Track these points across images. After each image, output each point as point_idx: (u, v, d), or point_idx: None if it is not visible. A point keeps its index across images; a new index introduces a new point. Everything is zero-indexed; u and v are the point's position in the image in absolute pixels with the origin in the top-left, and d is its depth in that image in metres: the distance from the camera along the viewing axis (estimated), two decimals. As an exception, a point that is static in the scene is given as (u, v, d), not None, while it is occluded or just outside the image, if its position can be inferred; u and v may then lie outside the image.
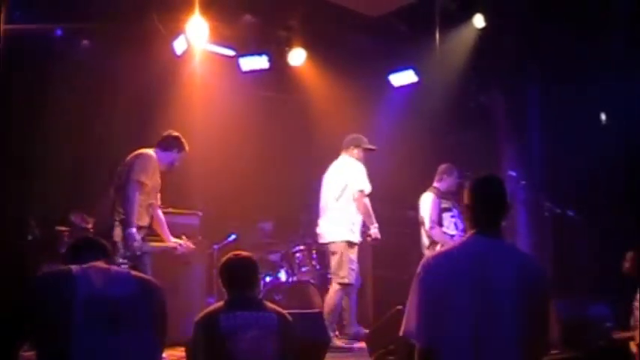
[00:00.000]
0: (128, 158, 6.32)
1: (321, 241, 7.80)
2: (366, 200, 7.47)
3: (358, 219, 7.53)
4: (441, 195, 7.89)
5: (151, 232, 6.54)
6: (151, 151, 6.40)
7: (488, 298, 3.02)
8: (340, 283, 7.38)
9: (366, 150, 7.82)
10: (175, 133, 6.64)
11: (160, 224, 6.61)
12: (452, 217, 7.93)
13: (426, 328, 3.07)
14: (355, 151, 7.79)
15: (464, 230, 7.86)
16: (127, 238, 5.98)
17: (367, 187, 7.48)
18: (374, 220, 7.48)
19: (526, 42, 9.12)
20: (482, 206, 3.27)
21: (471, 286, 3.04)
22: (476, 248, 3.18)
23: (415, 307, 3.14)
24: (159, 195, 6.55)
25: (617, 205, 8.40)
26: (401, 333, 3.19)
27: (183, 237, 6.82)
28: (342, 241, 7.45)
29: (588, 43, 8.61)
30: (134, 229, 6.00)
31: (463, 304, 3.02)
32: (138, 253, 6.02)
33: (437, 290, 3.09)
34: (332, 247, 7.54)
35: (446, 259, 3.23)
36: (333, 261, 7.50)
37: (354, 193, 7.44)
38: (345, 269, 7.37)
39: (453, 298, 3.04)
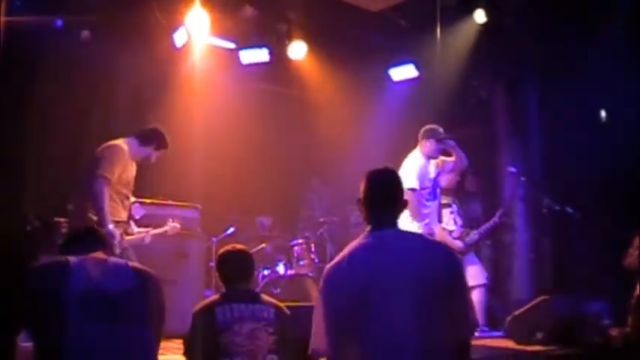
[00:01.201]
0: (97, 150, 6.13)
1: None
2: (413, 198, 6.97)
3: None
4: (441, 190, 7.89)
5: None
6: (119, 142, 6.16)
7: (395, 296, 2.86)
8: None
9: (440, 141, 7.24)
10: (159, 129, 6.42)
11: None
12: (451, 212, 7.94)
13: (335, 344, 2.97)
14: (427, 144, 7.27)
15: (463, 226, 7.87)
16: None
17: (414, 184, 7.04)
18: (418, 218, 7.06)
19: (526, 38, 9.11)
20: (373, 198, 3.17)
21: (373, 288, 2.89)
22: (373, 246, 3.05)
23: (322, 324, 3.06)
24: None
25: (616, 202, 8.40)
26: (309, 351, 3.11)
27: (169, 219, 6.67)
28: None
29: (588, 40, 8.60)
30: (111, 226, 5.78)
31: (368, 309, 2.88)
32: (118, 251, 5.78)
33: (339, 303, 2.97)
34: None
35: (342, 267, 3.07)
36: None
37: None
38: None
39: (357, 306, 2.90)
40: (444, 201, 7.87)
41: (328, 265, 3.18)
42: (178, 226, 6.73)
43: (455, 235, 7.67)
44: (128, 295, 3.18)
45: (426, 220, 7.03)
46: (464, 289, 3.07)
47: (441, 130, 7.26)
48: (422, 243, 3.16)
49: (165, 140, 6.41)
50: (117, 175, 6.01)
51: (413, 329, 2.80)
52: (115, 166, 5.98)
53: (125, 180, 6.15)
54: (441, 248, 3.16)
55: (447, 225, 7.81)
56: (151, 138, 6.34)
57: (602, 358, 6.37)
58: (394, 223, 3.14)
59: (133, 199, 6.45)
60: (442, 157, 7.34)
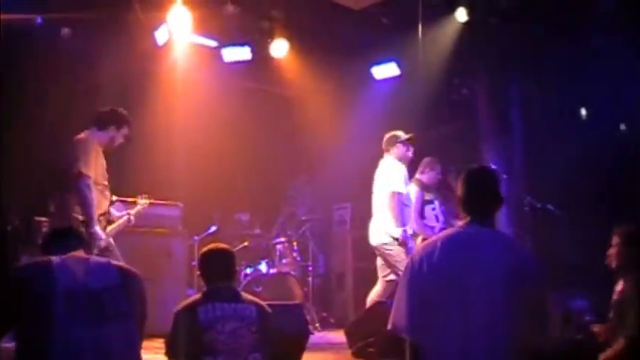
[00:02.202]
0: (67, 148, 5.96)
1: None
2: (399, 201, 7.12)
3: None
4: (423, 187, 7.91)
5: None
6: (84, 134, 6.00)
7: (477, 291, 2.97)
8: None
9: (404, 142, 7.47)
10: (112, 109, 6.22)
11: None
12: (433, 209, 7.98)
13: (415, 323, 3.04)
14: (394, 150, 7.45)
15: (445, 223, 7.90)
16: (91, 238, 5.54)
17: (400, 188, 7.16)
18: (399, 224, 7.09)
19: (508, 36, 9.15)
20: (471, 195, 3.26)
21: (459, 278, 3.00)
22: (464, 239, 3.15)
23: (404, 300, 3.11)
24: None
25: (597, 199, 8.45)
26: (389, 326, 3.16)
27: (139, 196, 6.51)
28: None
29: (570, 38, 8.65)
30: (96, 228, 5.66)
31: (451, 297, 2.99)
32: (96, 252, 5.56)
33: (425, 284, 3.06)
34: None
35: (433, 250, 3.13)
36: None
37: (387, 194, 7.14)
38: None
39: (442, 292, 3.01)
40: (427, 197, 7.91)
41: (421, 245, 3.37)
42: (145, 202, 6.53)
43: (436, 231, 7.70)
44: (111, 294, 3.18)
45: (407, 226, 7.06)
46: (541, 294, 3.10)
47: (399, 133, 7.49)
48: (509, 245, 3.21)
49: (124, 116, 6.23)
50: (93, 168, 5.87)
51: (484, 325, 2.93)
52: (85, 158, 5.80)
53: (101, 170, 5.99)
54: (526, 252, 3.28)
55: (429, 221, 7.85)
56: (107, 120, 6.12)
57: (584, 355, 6.41)
58: (488, 221, 3.24)
59: (114, 197, 6.38)
60: None
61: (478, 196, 3.26)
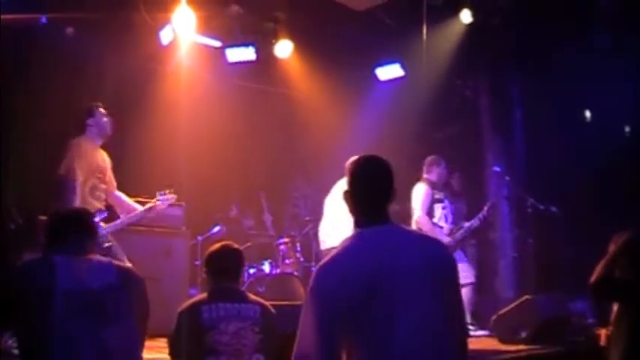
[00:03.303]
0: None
1: None
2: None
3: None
4: (433, 186, 7.89)
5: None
6: (75, 139, 6.06)
7: (398, 295, 2.59)
8: None
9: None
10: (77, 110, 6.33)
11: (120, 204, 6.27)
12: (443, 208, 7.94)
13: (330, 347, 2.63)
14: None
15: (453, 223, 7.89)
16: None
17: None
18: None
19: (511, 38, 9.15)
20: (362, 191, 2.81)
21: (374, 288, 2.59)
22: (368, 244, 2.71)
23: (313, 326, 2.68)
24: (108, 177, 6.23)
25: (600, 201, 8.45)
26: (293, 356, 2.74)
27: (158, 193, 6.32)
28: None
29: (573, 40, 8.65)
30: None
31: (370, 312, 2.58)
32: (106, 245, 5.68)
33: (338, 306, 2.60)
34: None
35: (337, 267, 2.69)
36: None
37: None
38: None
39: (356, 309, 2.58)
40: (437, 196, 7.89)
41: (320, 265, 2.80)
42: (171, 196, 6.34)
43: (445, 231, 7.71)
44: (112, 294, 3.18)
45: None
46: (459, 288, 2.84)
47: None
48: (419, 239, 2.86)
49: (87, 108, 6.25)
50: (81, 170, 5.89)
51: (421, 329, 2.59)
52: (74, 162, 5.86)
53: (88, 171, 5.98)
54: (439, 245, 2.90)
55: (439, 221, 7.83)
56: (79, 120, 6.20)
57: (585, 358, 6.40)
58: (387, 218, 2.79)
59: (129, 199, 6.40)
60: None
61: (371, 191, 2.80)
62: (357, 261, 2.66)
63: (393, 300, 2.58)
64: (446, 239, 7.52)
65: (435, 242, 2.91)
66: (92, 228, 3.56)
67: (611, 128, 8.87)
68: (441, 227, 7.75)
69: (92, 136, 6.13)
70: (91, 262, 3.27)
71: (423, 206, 7.68)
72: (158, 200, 6.28)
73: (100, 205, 6.03)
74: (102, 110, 6.27)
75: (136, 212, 6.21)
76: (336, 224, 7.33)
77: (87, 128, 6.14)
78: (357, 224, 2.82)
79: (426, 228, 7.55)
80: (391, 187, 2.81)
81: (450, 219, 7.93)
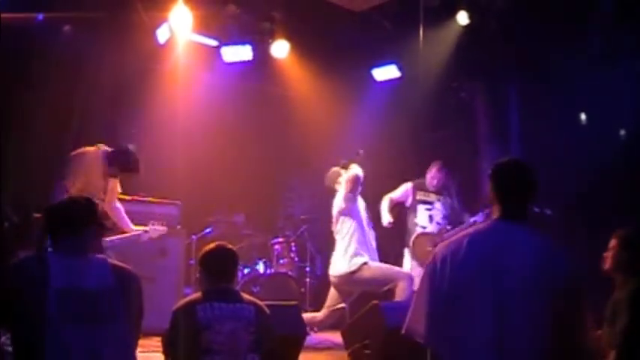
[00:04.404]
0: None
1: None
2: None
3: None
4: (419, 187, 7.99)
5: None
6: (88, 149, 6.17)
7: (504, 296, 2.72)
8: None
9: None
10: (130, 154, 6.42)
11: (117, 217, 6.36)
12: (428, 209, 7.99)
13: (435, 329, 2.81)
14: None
15: (444, 224, 7.93)
16: None
17: None
18: None
19: (507, 40, 9.16)
20: (502, 189, 3.09)
21: (484, 282, 2.76)
22: (492, 237, 2.93)
23: (423, 304, 2.87)
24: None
25: (596, 204, 8.46)
26: (403, 330, 2.94)
27: (150, 222, 6.55)
28: None
29: (569, 43, 8.66)
30: None
31: (483, 302, 2.74)
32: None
33: (449, 286, 2.82)
34: None
35: (458, 249, 2.89)
36: None
37: None
38: None
39: (464, 296, 2.77)
40: (423, 197, 8.00)
41: (444, 243, 3.04)
42: (163, 228, 6.59)
43: (428, 229, 7.80)
44: (106, 293, 3.17)
45: None
46: (581, 299, 2.88)
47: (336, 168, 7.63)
48: (545, 244, 2.98)
49: (130, 165, 6.38)
50: (81, 183, 5.96)
51: (523, 331, 2.69)
52: (79, 175, 5.99)
53: (85, 186, 6.06)
54: (563, 254, 2.98)
55: (420, 221, 7.92)
56: (118, 160, 6.33)
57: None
58: (523, 217, 3.05)
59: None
60: None
61: (510, 189, 3.09)
62: (476, 247, 2.88)
63: (500, 296, 2.73)
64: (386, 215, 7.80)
65: (558, 251, 2.97)
66: (87, 220, 3.44)
67: (606, 131, 8.87)
68: (423, 227, 7.85)
69: (104, 168, 6.23)
70: (87, 261, 3.25)
71: (394, 196, 8.01)
72: (149, 229, 6.43)
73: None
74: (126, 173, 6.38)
75: (124, 237, 6.25)
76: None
77: (109, 165, 6.24)
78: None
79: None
80: (528, 188, 3.11)
81: (437, 220, 7.98)
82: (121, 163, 6.29)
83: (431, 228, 7.88)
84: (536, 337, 2.68)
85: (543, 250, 2.89)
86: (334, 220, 7.27)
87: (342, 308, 7.22)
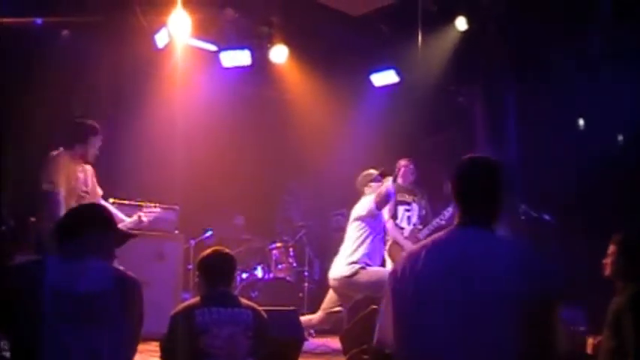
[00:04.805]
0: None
1: None
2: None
3: None
4: (398, 188, 7.88)
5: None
6: (55, 152, 6.01)
7: (471, 306, 2.55)
8: None
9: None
10: (76, 123, 6.20)
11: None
12: (407, 210, 7.96)
13: (403, 342, 2.69)
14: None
15: (415, 225, 7.90)
16: None
17: None
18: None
19: (505, 44, 9.18)
20: (463, 192, 2.84)
21: (449, 291, 2.59)
22: (457, 244, 2.71)
23: (389, 313, 2.76)
24: (91, 187, 6.18)
25: (593, 209, 8.46)
26: (374, 342, 2.85)
27: (144, 206, 6.41)
28: None
29: (567, 47, 8.68)
30: None
31: (440, 313, 2.59)
32: None
33: (408, 297, 2.68)
34: None
35: (417, 258, 2.72)
36: None
37: None
38: None
39: (429, 307, 2.61)
40: (400, 198, 7.91)
41: (405, 253, 2.88)
42: (157, 209, 6.43)
43: (405, 233, 7.75)
44: (104, 298, 3.14)
45: None
46: (551, 310, 2.66)
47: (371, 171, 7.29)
48: (511, 249, 2.77)
49: (87, 129, 6.12)
50: (64, 182, 5.90)
51: (487, 343, 2.53)
52: (60, 176, 5.85)
53: (75, 183, 5.98)
54: (533, 258, 2.72)
55: (401, 222, 7.90)
56: (72, 136, 6.09)
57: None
58: (487, 223, 2.80)
59: (111, 200, 6.38)
60: None
61: (470, 191, 2.83)
62: (431, 259, 2.69)
63: (455, 306, 2.57)
64: (407, 243, 7.54)
65: (531, 256, 2.73)
66: (96, 225, 3.39)
67: (605, 133, 8.88)
68: (402, 228, 7.81)
69: (74, 156, 6.06)
70: (87, 265, 3.23)
71: (387, 211, 7.68)
72: (144, 212, 6.31)
73: None
74: (96, 141, 6.18)
75: (125, 222, 6.19)
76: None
77: (71, 149, 6.06)
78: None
79: (391, 233, 7.63)
80: (492, 190, 2.84)
81: (413, 221, 7.96)
82: (71, 136, 6.13)
83: (408, 229, 7.82)
84: (505, 344, 2.54)
85: (507, 256, 2.68)
86: (349, 220, 7.19)
87: (339, 312, 7.19)
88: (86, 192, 6.08)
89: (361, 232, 6.99)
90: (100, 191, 6.30)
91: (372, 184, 7.15)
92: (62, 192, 5.83)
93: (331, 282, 7.16)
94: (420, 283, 2.67)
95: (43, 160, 5.97)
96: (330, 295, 7.22)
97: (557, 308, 2.67)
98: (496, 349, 2.53)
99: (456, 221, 2.81)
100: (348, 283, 6.97)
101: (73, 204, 5.82)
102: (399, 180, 7.96)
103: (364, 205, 7.02)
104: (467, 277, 2.59)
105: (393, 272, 2.80)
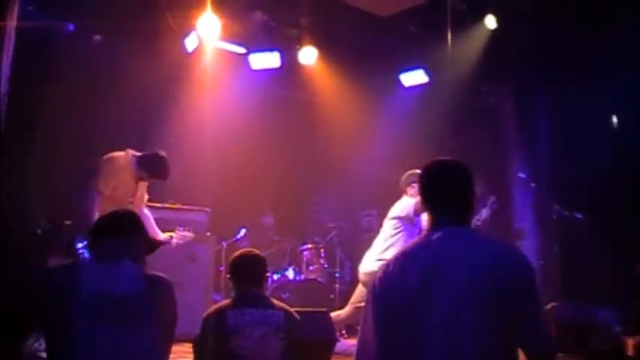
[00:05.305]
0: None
1: None
2: None
3: None
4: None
5: None
6: (118, 154, 6.15)
7: (451, 308, 2.53)
8: None
9: None
10: (158, 157, 6.29)
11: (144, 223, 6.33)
12: None
13: (384, 354, 2.65)
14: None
15: None
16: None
17: None
18: None
19: (536, 43, 9.10)
20: (431, 194, 2.85)
21: (422, 296, 2.57)
22: (431, 248, 2.69)
23: (368, 325, 2.72)
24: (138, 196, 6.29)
25: (626, 208, 8.37)
26: (354, 356, 2.77)
27: (177, 229, 6.46)
28: None
29: (599, 46, 8.58)
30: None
31: (415, 320, 2.57)
32: None
33: (387, 306, 2.65)
34: None
35: (394, 265, 2.72)
36: None
37: None
38: None
39: (406, 317, 2.58)
40: None
41: (382, 263, 2.85)
42: (189, 234, 6.49)
43: None
44: (137, 300, 3.17)
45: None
46: (532, 300, 2.62)
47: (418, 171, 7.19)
48: (482, 245, 2.71)
49: (160, 169, 6.28)
50: (111, 187, 5.97)
51: (459, 342, 2.51)
52: (110, 178, 5.96)
53: (124, 190, 6.09)
54: (509, 254, 2.69)
55: None
56: (147, 162, 6.25)
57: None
58: (454, 222, 2.76)
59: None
60: None
61: (437, 196, 2.82)
62: (409, 263, 2.69)
63: (434, 306, 2.55)
64: None
65: (503, 253, 2.69)
66: (131, 230, 3.48)
67: (637, 135, 8.77)
68: None
69: (134, 172, 6.19)
70: (121, 267, 3.25)
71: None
72: (176, 235, 6.34)
73: None
74: (155, 177, 6.35)
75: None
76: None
77: (137, 168, 6.21)
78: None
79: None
80: (458, 190, 2.82)
81: None
82: (151, 168, 6.28)
83: None
84: (489, 344, 2.52)
85: (484, 255, 2.63)
86: (387, 217, 7.16)
87: None
88: (133, 198, 6.17)
89: (396, 231, 6.98)
90: (144, 198, 6.38)
91: (416, 184, 7.12)
92: (105, 193, 5.90)
93: (361, 276, 7.16)
94: (398, 291, 2.65)
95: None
96: (360, 289, 7.22)
97: (535, 298, 2.62)
98: (479, 350, 2.50)
99: (427, 226, 2.81)
100: None
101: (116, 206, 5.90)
102: None
103: (404, 206, 7.00)
104: (444, 279, 2.57)
105: (372, 285, 2.76)
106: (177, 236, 6.38)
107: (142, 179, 6.28)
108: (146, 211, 6.45)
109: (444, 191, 2.82)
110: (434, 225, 2.77)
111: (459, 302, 2.54)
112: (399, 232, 6.95)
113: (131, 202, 6.19)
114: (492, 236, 2.84)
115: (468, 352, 2.50)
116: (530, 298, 2.60)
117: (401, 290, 2.63)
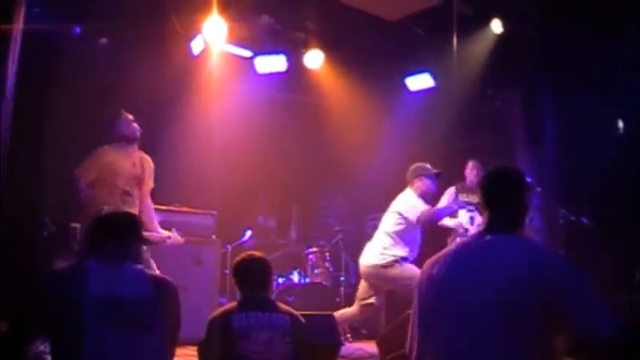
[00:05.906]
0: None
1: None
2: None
3: None
4: (461, 189, 8.02)
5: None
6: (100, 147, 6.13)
7: (482, 312, 2.59)
8: None
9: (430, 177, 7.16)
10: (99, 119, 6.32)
11: (146, 214, 6.18)
12: (469, 210, 7.94)
13: (422, 349, 2.76)
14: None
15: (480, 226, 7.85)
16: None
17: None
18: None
19: (542, 47, 9.08)
20: (486, 198, 3.00)
21: (463, 296, 2.65)
22: (469, 249, 2.86)
23: (414, 322, 2.85)
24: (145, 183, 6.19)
25: (633, 212, 8.35)
26: (406, 349, 2.89)
27: (173, 229, 6.44)
28: None
29: (606, 50, 8.57)
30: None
31: (452, 319, 2.66)
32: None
33: (428, 304, 2.79)
34: None
35: (439, 265, 2.84)
36: None
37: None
38: None
39: (444, 313, 2.69)
40: (465, 199, 7.97)
41: (430, 260, 2.97)
42: (180, 239, 6.45)
43: (470, 233, 7.72)
44: (143, 303, 3.18)
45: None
46: (573, 288, 2.67)
47: (428, 166, 7.21)
48: (512, 248, 2.78)
49: (109, 113, 6.27)
50: (93, 168, 5.95)
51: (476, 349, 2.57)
52: (87, 162, 5.98)
53: (108, 168, 6.01)
54: (550, 259, 2.76)
55: (463, 223, 7.89)
56: (103, 127, 6.24)
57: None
58: (505, 227, 2.88)
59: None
60: None
61: (491, 200, 2.98)
62: (450, 267, 2.80)
63: (473, 312, 2.62)
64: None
65: (538, 256, 2.75)
66: (132, 233, 3.50)
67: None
68: (466, 229, 7.92)
69: (112, 139, 6.15)
70: (126, 270, 3.26)
71: (440, 204, 8.02)
72: (172, 235, 6.31)
73: (131, 210, 6.04)
74: (124, 118, 6.28)
75: (153, 235, 6.20)
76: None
77: (107, 134, 6.18)
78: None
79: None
80: (506, 198, 2.97)
81: (477, 221, 7.97)
82: (110, 126, 6.24)
83: (472, 230, 7.81)
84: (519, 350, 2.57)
85: (520, 259, 2.70)
86: (390, 209, 7.16)
87: (372, 304, 7.17)
88: (136, 184, 6.08)
89: (400, 226, 6.97)
90: (149, 187, 6.29)
91: (424, 178, 7.11)
92: (86, 182, 5.89)
93: (362, 268, 7.14)
94: (440, 291, 2.77)
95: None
96: (362, 284, 7.23)
97: (581, 291, 2.71)
98: (510, 353, 2.55)
99: (482, 226, 2.98)
100: (379, 272, 6.95)
101: (119, 194, 5.88)
102: (467, 181, 8.23)
103: (409, 206, 7.00)
104: (479, 284, 2.65)
105: (419, 280, 2.90)
106: (172, 237, 6.36)
107: (122, 136, 6.17)
108: (149, 202, 6.40)
109: (498, 197, 2.99)
110: (486, 227, 2.94)
111: (496, 304, 2.60)
112: (404, 227, 6.94)
113: (140, 190, 6.11)
114: (540, 243, 2.94)
115: (500, 354, 2.56)
116: (573, 296, 2.67)
117: (442, 288, 2.75)
